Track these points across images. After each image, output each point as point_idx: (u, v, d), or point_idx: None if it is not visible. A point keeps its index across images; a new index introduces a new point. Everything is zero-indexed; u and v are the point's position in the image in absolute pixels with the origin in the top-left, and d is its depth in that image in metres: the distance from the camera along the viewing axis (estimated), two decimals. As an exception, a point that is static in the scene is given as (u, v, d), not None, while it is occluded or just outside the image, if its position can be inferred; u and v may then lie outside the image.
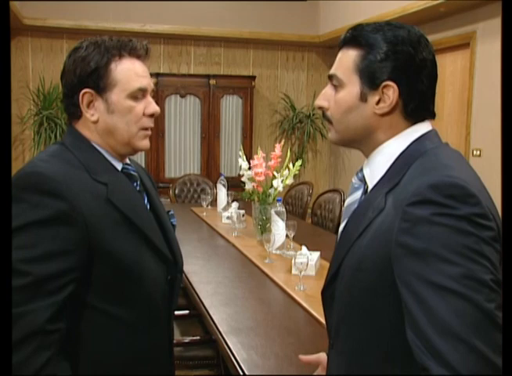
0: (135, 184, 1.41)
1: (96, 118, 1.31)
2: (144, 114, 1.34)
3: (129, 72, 1.31)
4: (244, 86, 6.70)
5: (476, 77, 4.75)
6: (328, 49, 7.15)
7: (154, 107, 1.36)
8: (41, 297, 1.15)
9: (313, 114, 7.07)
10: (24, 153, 6.40)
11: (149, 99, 1.36)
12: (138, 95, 1.32)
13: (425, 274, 0.87)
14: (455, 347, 0.83)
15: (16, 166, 6.24)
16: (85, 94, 1.30)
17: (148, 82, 1.35)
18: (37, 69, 6.36)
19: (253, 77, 6.79)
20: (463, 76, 4.94)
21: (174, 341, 2.28)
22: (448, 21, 5.02)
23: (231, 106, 6.70)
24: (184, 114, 6.56)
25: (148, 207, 1.44)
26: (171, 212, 1.55)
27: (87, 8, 6.02)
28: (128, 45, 1.32)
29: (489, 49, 4.56)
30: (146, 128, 1.36)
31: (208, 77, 6.59)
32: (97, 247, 1.23)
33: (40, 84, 6.28)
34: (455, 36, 4.95)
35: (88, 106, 1.31)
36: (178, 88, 6.44)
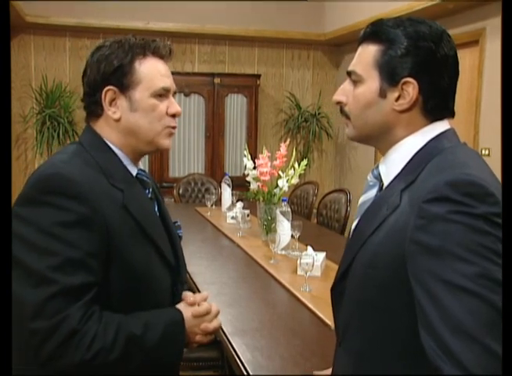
0: (147, 191, 1.40)
1: (118, 116, 1.30)
2: (167, 114, 1.33)
3: (153, 71, 1.31)
4: (249, 85, 6.65)
5: (485, 76, 4.68)
6: (334, 47, 7.06)
7: (177, 108, 1.35)
8: (74, 301, 1.14)
9: (319, 113, 7.02)
10: (27, 152, 6.36)
11: (172, 99, 1.35)
12: (161, 94, 1.31)
13: (440, 272, 0.86)
14: (468, 347, 0.81)
15: (19, 165, 6.24)
16: (108, 91, 1.29)
17: (171, 82, 1.35)
18: (40, 67, 6.32)
19: (258, 76, 6.74)
20: (472, 74, 4.87)
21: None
22: (457, 18, 4.95)
23: (236, 105, 6.65)
24: (188, 113, 6.50)
25: (158, 215, 1.43)
26: (178, 223, 1.53)
27: (90, 6, 5.97)
28: (151, 44, 1.32)
29: (499, 47, 4.49)
30: (170, 127, 1.34)
31: (213, 75, 6.54)
32: (114, 251, 1.21)
33: (42, 82, 6.23)
34: (463, 33, 4.87)
35: (111, 103, 1.30)
36: (182, 86, 6.38)
